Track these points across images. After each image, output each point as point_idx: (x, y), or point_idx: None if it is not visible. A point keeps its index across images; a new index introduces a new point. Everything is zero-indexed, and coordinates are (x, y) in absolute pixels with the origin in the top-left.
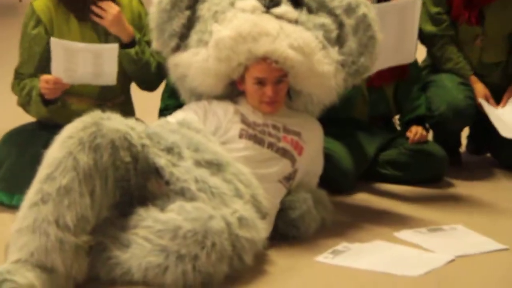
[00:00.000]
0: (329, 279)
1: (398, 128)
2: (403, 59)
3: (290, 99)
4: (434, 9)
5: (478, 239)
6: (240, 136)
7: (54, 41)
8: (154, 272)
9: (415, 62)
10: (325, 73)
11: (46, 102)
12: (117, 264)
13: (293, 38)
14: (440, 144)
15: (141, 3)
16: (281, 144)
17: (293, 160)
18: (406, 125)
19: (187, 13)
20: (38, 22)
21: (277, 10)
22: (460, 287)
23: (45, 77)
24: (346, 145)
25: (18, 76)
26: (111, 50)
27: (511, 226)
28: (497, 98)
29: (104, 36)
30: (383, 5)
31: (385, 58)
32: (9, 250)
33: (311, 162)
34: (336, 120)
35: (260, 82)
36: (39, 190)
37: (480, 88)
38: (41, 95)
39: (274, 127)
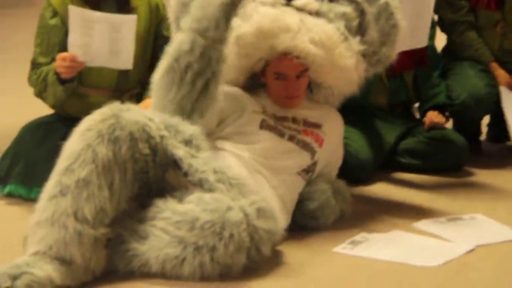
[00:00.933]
0: (347, 269)
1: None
2: (417, 43)
3: (311, 92)
4: None
5: (498, 228)
6: (261, 127)
7: (72, 9)
8: (171, 264)
9: (434, 49)
10: (346, 66)
11: (62, 81)
12: (135, 256)
13: (314, 32)
14: (460, 132)
15: None
16: (301, 137)
17: (313, 153)
18: (425, 111)
19: None
20: (55, 13)
21: (298, 2)
22: (480, 277)
23: (61, 55)
24: (364, 135)
25: (35, 66)
26: (129, 21)
27: None
28: None
29: None
30: None
31: (399, 43)
32: (28, 243)
33: (331, 154)
34: (355, 108)
35: (281, 77)
36: (58, 182)
37: (502, 75)
38: (58, 75)
39: (294, 120)
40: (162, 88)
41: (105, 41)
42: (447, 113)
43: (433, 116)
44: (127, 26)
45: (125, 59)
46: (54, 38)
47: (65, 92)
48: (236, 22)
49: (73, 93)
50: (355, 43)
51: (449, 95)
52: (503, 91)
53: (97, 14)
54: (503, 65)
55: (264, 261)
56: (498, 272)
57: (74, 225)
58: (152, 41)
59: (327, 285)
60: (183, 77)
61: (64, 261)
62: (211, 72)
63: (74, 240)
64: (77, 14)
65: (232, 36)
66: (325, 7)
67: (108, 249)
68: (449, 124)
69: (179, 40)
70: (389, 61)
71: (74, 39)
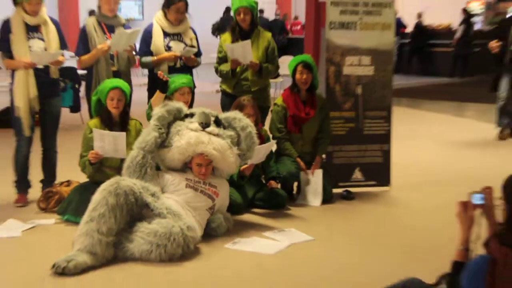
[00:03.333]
0: (231, 256)
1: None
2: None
3: (213, 171)
4: (279, 125)
5: (301, 235)
6: (186, 187)
7: (95, 131)
8: (145, 253)
9: (271, 150)
10: (230, 161)
11: (92, 164)
12: (127, 250)
13: (216, 144)
14: (283, 189)
15: (141, 124)
16: (208, 191)
17: (213, 199)
18: (268, 180)
19: (165, 130)
20: (91, 131)
21: (208, 129)
22: (293, 257)
23: (91, 152)
24: (239, 191)
25: (81, 157)
26: (122, 136)
27: (317, 227)
28: (309, 166)
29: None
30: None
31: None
32: (74, 245)
33: (222, 200)
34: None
35: (199, 165)
36: (89, 215)
37: (302, 165)
38: (89, 161)
39: (204, 183)
40: (127, 173)
41: (111, 144)
42: (278, 181)
43: (272, 183)
44: (121, 138)
45: (122, 153)
46: (89, 143)
47: (93, 170)
48: (178, 140)
49: (98, 170)
50: (235, 150)
51: (278, 172)
52: (303, 177)
53: (106, 133)
54: (302, 158)
55: (190, 252)
56: (299, 254)
57: (97, 236)
58: None
59: (221, 262)
60: (136, 168)
61: (92, 253)
62: (148, 165)
63: (97, 243)
64: (97, 133)
65: (175, 146)
66: (221, 132)
67: (114, 247)
68: (279, 185)
69: (133, 152)
70: (250, 159)
71: (96, 144)
